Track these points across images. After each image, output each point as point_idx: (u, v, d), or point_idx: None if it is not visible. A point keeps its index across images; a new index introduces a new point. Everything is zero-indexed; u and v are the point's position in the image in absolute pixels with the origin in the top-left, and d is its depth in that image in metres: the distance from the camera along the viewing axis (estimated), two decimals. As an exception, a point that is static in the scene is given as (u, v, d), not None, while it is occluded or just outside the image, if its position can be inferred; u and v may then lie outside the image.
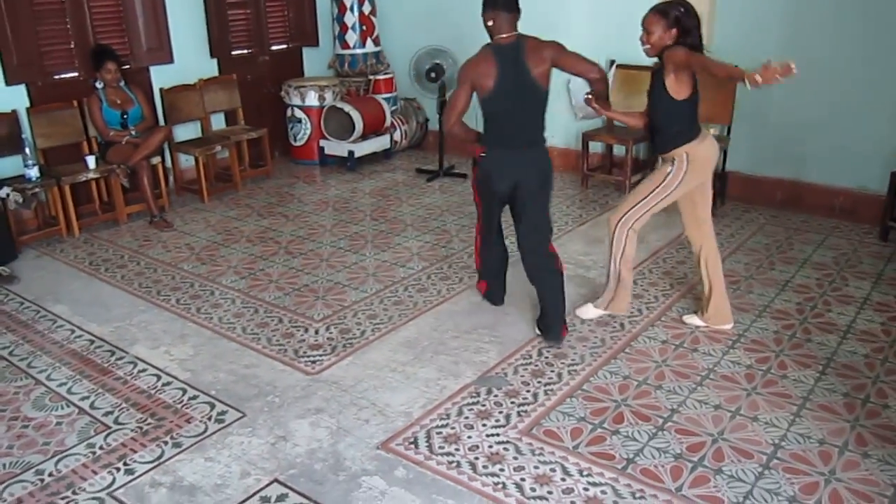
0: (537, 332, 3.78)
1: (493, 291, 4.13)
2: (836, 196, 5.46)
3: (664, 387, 3.33)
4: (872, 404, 3.18)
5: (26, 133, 5.38)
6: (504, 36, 3.53)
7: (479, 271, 4.18)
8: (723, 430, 3.02)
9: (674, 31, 3.39)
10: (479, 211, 3.91)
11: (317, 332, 3.89)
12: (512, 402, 3.23)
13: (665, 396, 3.26)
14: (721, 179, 5.55)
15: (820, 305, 4.08)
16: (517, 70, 3.48)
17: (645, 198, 3.66)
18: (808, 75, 5.30)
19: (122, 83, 5.64)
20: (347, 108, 6.70)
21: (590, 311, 3.96)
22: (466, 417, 3.13)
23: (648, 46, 3.48)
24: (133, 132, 5.61)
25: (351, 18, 7.11)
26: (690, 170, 3.55)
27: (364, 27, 7.17)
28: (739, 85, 5.26)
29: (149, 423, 3.16)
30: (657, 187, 3.63)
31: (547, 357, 3.59)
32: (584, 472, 2.78)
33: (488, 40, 3.61)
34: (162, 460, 2.92)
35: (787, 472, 2.77)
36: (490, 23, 3.54)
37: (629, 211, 3.70)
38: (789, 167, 5.62)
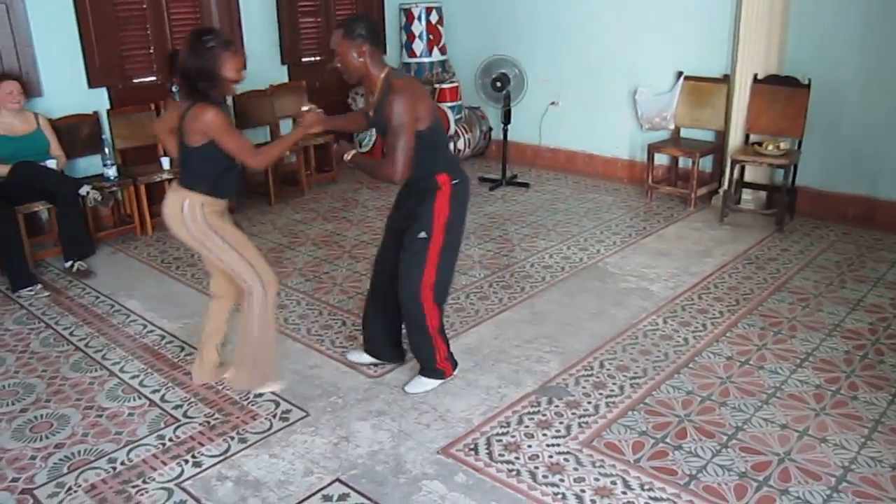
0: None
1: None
2: (913, 214, 5.29)
3: (729, 403, 3.27)
4: (949, 430, 3.07)
5: (106, 134, 5.60)
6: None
7: (446, 354, 3.44)
8: (789, 450, 2.96)
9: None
10: (438, 259, 3.22)
11: (379, 336, 3.94)
12: (573, 413, 3.22)
13: (730, 413, 3.20)
14: (790, 194, 5.43)
15: (894, 326, 3.95)
16: None
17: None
18: (885, 88, 5.19)
19: (197, 88, 5.81)
20: (413, 115, 6.76)
21: None
22: (527, 426, 3.13)
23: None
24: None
25: (418, 27, 7.20)
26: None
27: (431, 36, 7.25)
28: (813, 96, 5.19)
29: (216, 418, 3.25)
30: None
31: (609, 369, 3.57)
32: (646, 487, 2.75)
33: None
34: (228, 454, 3.00)
35: (856, 496, 2.69)
36: (365, 54, 3.06)
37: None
38: (863, 183, 5.47)
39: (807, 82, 5.32)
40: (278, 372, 3.51)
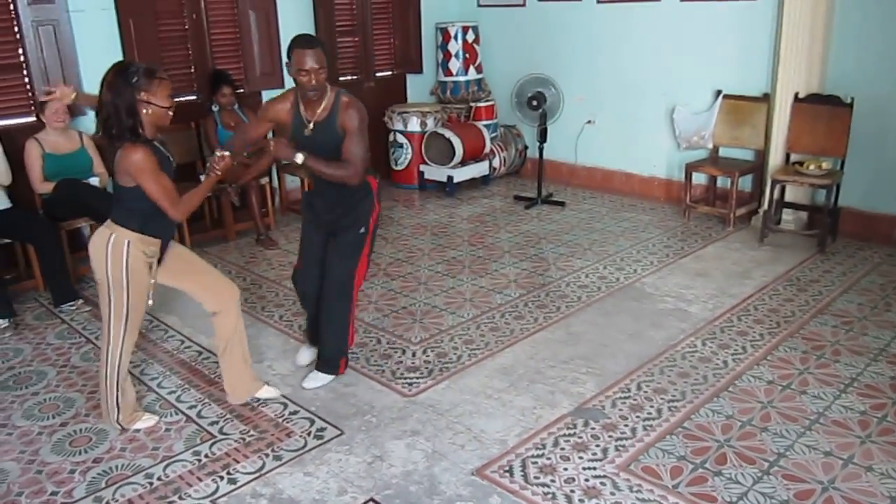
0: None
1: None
2: (961, 236, 5.16)
3: (770, 429, 3.20)
4: None
5: (147, 152, 5.69)
6: None
7: (350, 348, 3.84)
8: (834, 478, 2.88)
9: None
10: (370, 250, 3.64)
11: (414, 355, 3.93)
12: (609, 436, 3.17)
13: (771, 439, 3.13)
14: (833, 215, 5.33)
15: (942, 352, 3.85)
16: None
17: None
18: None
19: (236, 106, 5.91)
20: (448, 133, 6.79)
21: None
22: (563, 449, 3.09)
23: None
24: (245, 153, 5.85)
25: (455, 46, 7.23)
26: None
27: (467, 55, 7.27)
28: (855, 115, 5.10)
29: (251, 435, 3.26)
30: None
31: (646, 392, 3.51)
32: (685, 513, 2.70)
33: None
34: (263, 472, 3.00)
35: (905, 528, 2.61)
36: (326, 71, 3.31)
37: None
38: (908, 204, 5.35)
39: (849, 101, 5.23)
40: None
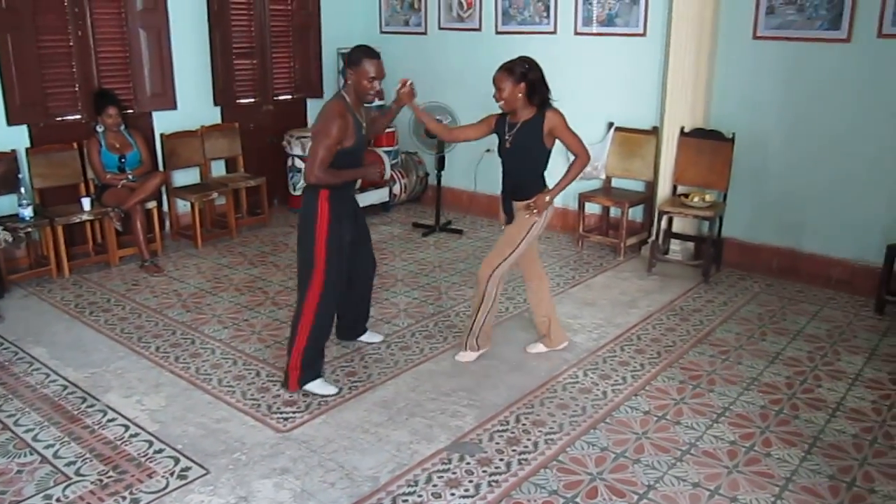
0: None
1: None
2: (834, 266, 5.39)
3: (643, 461, 3.23)
4: (858, 488, 3.06)
5: (23, 173, 5.41)
6: None
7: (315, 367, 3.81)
8: (699, 509, 2.91)
9: (522, 85, 3.71)
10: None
11: (293, 388, 3.82)
12: (484, 471, 3.13)
13: (643, 471, 3.15)
14: (717, 245, 5.50)
15: (810, 380, 3.98)
16: None
17: (517, 248, 3.89)
18: (807, 146, 5.34)
19: (122, 127, 5.69)
20: (347, 159, 6.71)
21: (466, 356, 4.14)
22: (435, 485, 3.03)
23: (503, 102, 3.80)
24: (130, 176, 5.64)
25: (356, 72, 7.17)
26: (549, 216, 3.97)
27: (343, 91, 7.20)
28: (737, 150, 5.30)
29: (110, 476, 3.08)
30: (527, 235, 3.90)
31: (524, 424, 3.49)
32: (551, 550, 2.67)
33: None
34: (117, 517, 2.83)
35: (762, 559, 2.65)
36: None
37: (503, 263, 3.88)
38: (788, 236, 5.56)
39: (731, 136, 5.43)
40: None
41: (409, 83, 4.00)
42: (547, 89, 3.78)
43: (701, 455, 3.28)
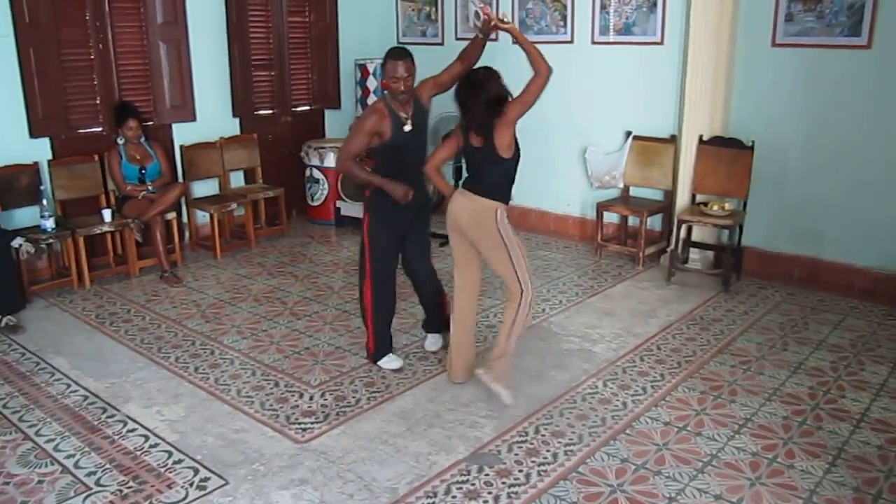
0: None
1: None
2: (856, 275, 5.33)
3: (664, 472, 3.19)
4: (885, 501, 3.01)
5: (45, 185, 5.47)
6: None
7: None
8: (722, 522, 2.88)
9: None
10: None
11: (311, 399, 3.82)
12: (503, 483, 3.11)
13: (664, 483, 3.12)
14: (736, 254, 5.45)
15: (833, 390, 3.92)
16: None
17: (508, 247, 3.72)
18: (827, 153, 5.29)
19: (142, 139, 5.74)
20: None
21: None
22: (454, 497, 3.01)
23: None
24: (150, 188, 5.69)
25: (373, 83, 7.20)
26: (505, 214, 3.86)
27: (385, 92, 7.24)
28: (756, 158, 5.26)
29: (130, 487, 3.09)
30: (499, 231, 3.76)
31: (544, 435, 3.47)
32: (571, 563, 2.65)
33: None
34: (137, 527, 2.84)
35: (786, 573, 2.61)
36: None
37: (518, 270, 3.72)
38: (808, 244, 5.51)
39: (750, 144, 5.39)
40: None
41: (490, 12, 3.91)
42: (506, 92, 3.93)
43: (723, 467, 3.24)
